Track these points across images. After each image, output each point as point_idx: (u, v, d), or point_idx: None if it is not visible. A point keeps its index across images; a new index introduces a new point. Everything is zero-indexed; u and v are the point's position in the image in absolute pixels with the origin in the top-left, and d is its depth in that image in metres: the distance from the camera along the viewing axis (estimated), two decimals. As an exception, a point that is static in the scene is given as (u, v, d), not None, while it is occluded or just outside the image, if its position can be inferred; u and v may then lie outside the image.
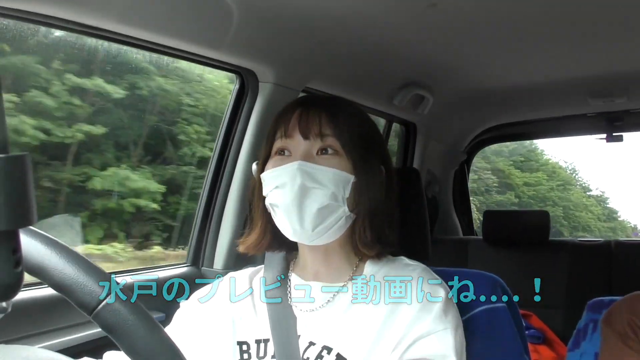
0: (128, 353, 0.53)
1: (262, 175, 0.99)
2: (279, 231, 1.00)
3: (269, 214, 1.00)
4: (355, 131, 0.98)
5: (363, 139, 0.99)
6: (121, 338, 0.53)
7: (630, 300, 1.25)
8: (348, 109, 1.03)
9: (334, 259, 1.02)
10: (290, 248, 1.08)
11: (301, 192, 0.92)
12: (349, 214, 0.96)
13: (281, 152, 0.99)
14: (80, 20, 1.23)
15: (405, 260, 1.04)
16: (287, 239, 1.00)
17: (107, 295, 0.53)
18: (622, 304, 1.26)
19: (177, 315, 1.06)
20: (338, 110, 0.99)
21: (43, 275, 0.53)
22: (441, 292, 0.95)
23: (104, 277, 0.54)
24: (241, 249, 1.07)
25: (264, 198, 0.99)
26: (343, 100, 1.07)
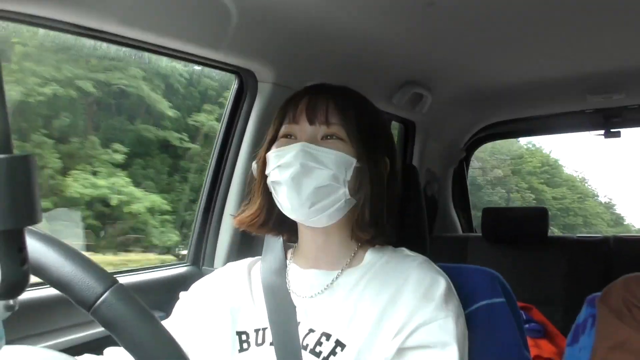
0: (127, 348, 0.54)
1: (267, 155, 1.01)
2: (279, 212, 1.02)
3: (269, 194, 1.02)
4: (361, 120, 1.00)
5: (368, 129, 1.01)
6: (119, 333, 0.54)
7: (625, 281, 1.27)
8: (356, 99, 1.05)
9: (333, 243, 1.03)
10: (290, 233, 1.09)
11: (302, 171, 0.95)
12: (349, 198, 0.98)
13: (287, 135, 1.01)
14: (80, 22, 1.23)
15: (406, 251, 1.06)
16: (288, 220, 1.02)
17: (104, 291, 0.54)
18: (618, 284, 1.28)
19: (177, 307, 1.07)
20: (345, 99, 1.02)
21: (42, 273, 0.53)
22: (442, 282, 0.96)
23: (102, 273, 0.55)
24: (235, 223, 1.08)
25: (266, 177, 1.01)
26: (352, 91, 1.08)
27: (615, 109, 2.65)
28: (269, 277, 1.06)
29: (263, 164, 1.03)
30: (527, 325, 1.34)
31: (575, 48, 1.97)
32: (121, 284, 0.55)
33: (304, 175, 0.95)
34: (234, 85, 1.76)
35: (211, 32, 1.45)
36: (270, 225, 1.08)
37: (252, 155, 1.71)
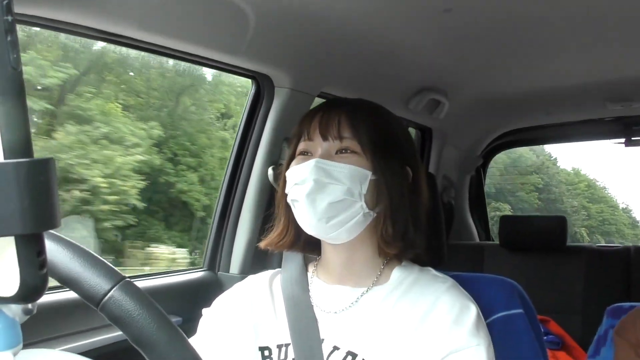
0: (135, 343, 0.54)
1: (287, 173, 1.01)
2: (302, 230, 1.01)
3: (291, 211, 1.01)
4: (374, 131, 0.99)
5: (383, 139, 0.99)
6: (127, 328, 0.54)
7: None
8: (368, 110, 1.03)
9: (358, 261, 1.02)
10: (313, 249, 1.08)
11: (316, 187, 0.94)
12: (368, 211, 0.96)
13: (303, 153, 1.01)
14: (100, 27, 1.25)
15: (432, 271, 1.04)
16: (310, 238, 1.01)
17: (112, 287, 0.54)
18: (634, 314, 1.25)
19: (200, 324, 1.06)
20: (358, 112, 1.01)
21: (50, 271, 0.54)
22: (472, 308, 0.95)
23: (110, 270, 0.55)
24: (262, 244, 1.07)
25: (286, 195, 1.01)
26: (365, 102, 1.07)
27: (635, 117, 2.61)
28: (290, 288, 1.05)
29: (284, 183, 1.03)
30: (544, 337, 1.32)
31: (594, 55, 1.95)
32: (129, 280, 0.56)
33: (318, 191, 0.94)
34: (251, 90, 1.76)
35: (229, 37, 1.45)
36: (301, 244, 1.06)
37: (269, 160, 1.71)
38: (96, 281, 0.54)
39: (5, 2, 0.36)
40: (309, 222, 0.96)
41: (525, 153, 12.76)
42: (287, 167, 1.02)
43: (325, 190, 0.94)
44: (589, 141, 3.38)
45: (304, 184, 0.95)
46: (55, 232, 0.56)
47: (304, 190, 0.95)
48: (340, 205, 0.95)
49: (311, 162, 0.96)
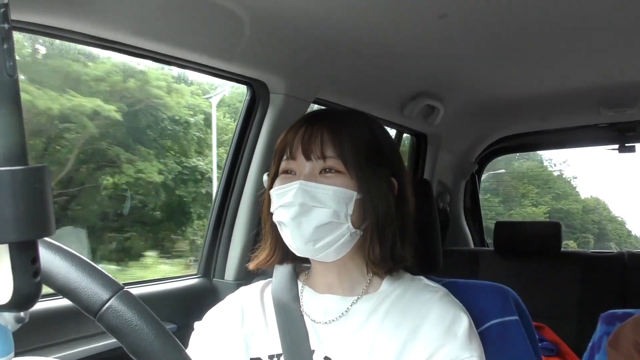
0: (132, 354, 0.54)
1: (271, 192, 1.00)
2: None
3: (278, 230, 1.00)
4: (359, 147, 0.96)
5: (368, 154, 0.97)
6: (125, 339, 0.53)
7: (635, 323, 1.25)
8: (352, 124, 1.00)
9: (346, 272, 1.01)
10: (303, 260, 1.07)
11: (301, 211, 0.93)
12: (355, 231, 0.95)
13: (287, 171, 0.99)
14: (95, 33, 1.24)
15: (424, 280, 1.03)
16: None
17: (110, 298, 0.53)
18: (627, 327, 1.25)
19: (193, 337, 1.05)
20: (341, 128, 0.98)
21: (48, 280, 0.53)
22: (464, 318, 0.94)
23: (108, 280, 0.55)
24: (251, 266, 1.06)
25: (272, 214, 1.00)
26: (348, 114, 1.05)
27: (629, 123, 2.63)
28: (281, 298, 1.04)
29: (268, 202, 1.01)
30: (539, 344, 1.33)
31: (589, 61, 1.97)
32: (127, 291, 0.55)
33: (303, 215, 0.93)
34: (246, 97, 1.76)
35: (224, 43, 1.45)
36: (290, 260, 1.06)
37: (264, 166, 1.71)
38: (94, 291, 0.53)
39: (1, 10, 0.36)
40: (296, 245, 0.96)
41: (589, 203, 17.34)
42: (271, 185, 1.01)
43: (311, 214, 0.93)
44: (583, 147, 3.39)
45: (290, 207, 0.94)
46: (54, 241, 0.55)
47: (290, 214, 0.94)
48: (327, 228, 0.94)
49: (295, 184, 0.94)
